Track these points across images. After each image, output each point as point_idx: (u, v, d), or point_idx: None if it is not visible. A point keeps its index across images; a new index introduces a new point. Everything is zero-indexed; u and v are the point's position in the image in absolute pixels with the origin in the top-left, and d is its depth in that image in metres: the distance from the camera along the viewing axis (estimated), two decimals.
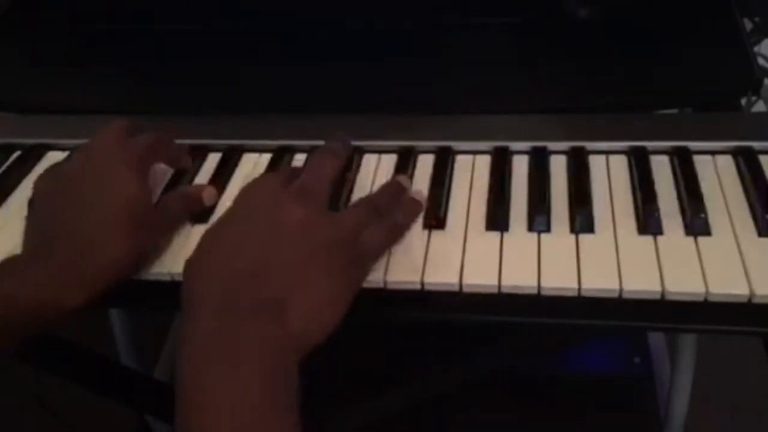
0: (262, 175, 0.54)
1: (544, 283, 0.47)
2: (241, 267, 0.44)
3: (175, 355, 0.42)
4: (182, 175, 0.60)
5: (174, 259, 0.52)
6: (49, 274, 0.46)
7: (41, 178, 0.55)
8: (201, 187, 0.56)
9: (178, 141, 0.63)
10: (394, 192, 0.54)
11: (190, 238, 0.53)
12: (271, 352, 0.41)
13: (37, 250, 0.49)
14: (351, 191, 0.57)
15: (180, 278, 0.51)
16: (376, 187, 0.56)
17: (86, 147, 0.55)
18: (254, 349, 0.41)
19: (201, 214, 0.55)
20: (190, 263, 0.47)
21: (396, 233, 0.51)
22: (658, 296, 0.46)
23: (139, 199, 0.50)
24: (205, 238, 0.48)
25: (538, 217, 0.52)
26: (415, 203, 0.53)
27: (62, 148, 0.64)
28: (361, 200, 0.53)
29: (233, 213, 0.49)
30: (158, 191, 0.58)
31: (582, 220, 0.51)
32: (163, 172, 0.60)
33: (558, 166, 0.57)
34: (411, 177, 0.57)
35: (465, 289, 0.48)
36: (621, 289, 0.47)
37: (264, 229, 0.46)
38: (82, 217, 0.49)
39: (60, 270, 0.47)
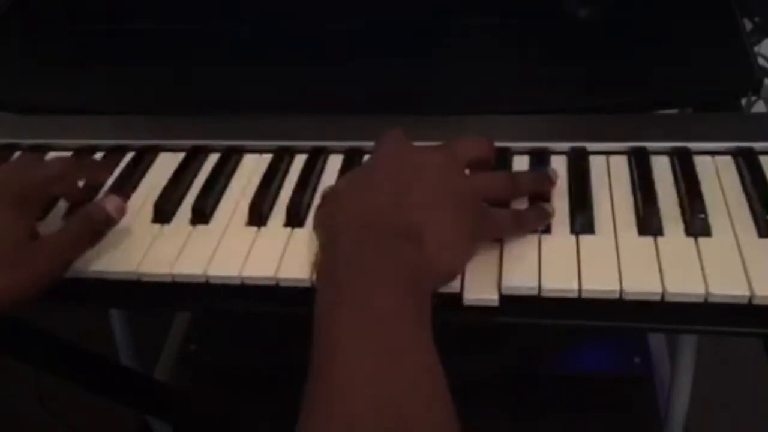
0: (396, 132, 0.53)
1: (545, 284, 0.47)
2: (382, 197, 0.47)
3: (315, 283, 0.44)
4: (182, 175, 0.59)
5: (174, 260, 0.52)
6: None
7: None
8: (101, 203, 0.53)
9: (177, 141, 0.63)
10: (540, 182, 0.54)
11: (190, 239, 0.53)
12: (409, 270, 0.43)
13: None
14: None
15: (180, 279, 0.51)
16: None
17: None
18: (392, 266, 0.43)
19: (201, 216, 0.55)
20: (326, 200, 0.50)
21: (519, 228, 0.51)
22: (658, 297, 0.46)
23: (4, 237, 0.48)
24: (348, 176, 0.51)
25: None
26: (547, 213, 0.52)
27: (62, 148, 0.64)
28: (503, 172, 0.55)
29: (375, 157, 0.51)
30: (157, 190, 0.58)
31: (582, 220, 0.51)
32: (161, 170, 0.59)
33: (558, 166, 0.57)
34: None
35: (466, 290, 0.48)
36: (621, 290, 0.47)
37: (405, 168, 0.48)
38: None
39: None
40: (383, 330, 0.40)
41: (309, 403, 0.37)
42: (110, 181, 0.60)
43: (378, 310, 0.40)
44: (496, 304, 0.47)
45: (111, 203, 0.52)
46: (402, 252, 0.44)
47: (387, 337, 0.39)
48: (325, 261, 0.46)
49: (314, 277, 0.48)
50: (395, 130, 0.52)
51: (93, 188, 0.59)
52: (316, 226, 0.50)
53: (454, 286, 0.48)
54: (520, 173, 0.56)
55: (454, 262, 0.47)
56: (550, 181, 0.55)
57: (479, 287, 0.48)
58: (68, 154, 0.63)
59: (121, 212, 0.53)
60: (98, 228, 0.52)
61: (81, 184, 0.58)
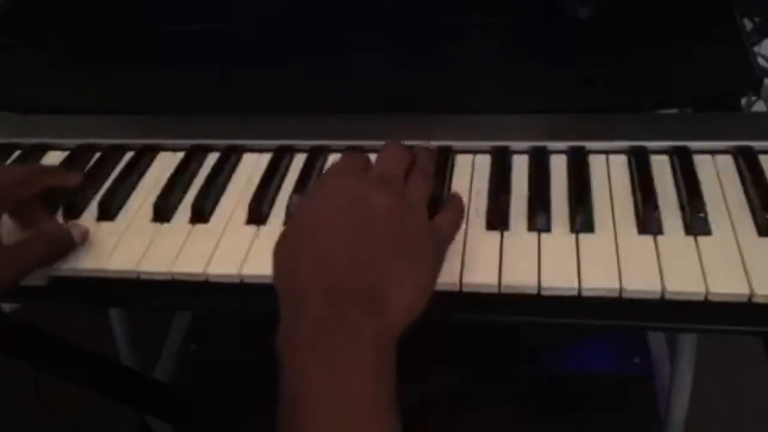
0: (338, 165, 0.52)
1: (544, 283, 0.47)
2: (339, 257, 0.44)
3: (278, 353, 0.42)
4: (182, 175, 0.59)
5: (174, 259, 0.52)
6: None
7: None
8: (71, 227, 0.54)
9: (177, 141, 0.63)
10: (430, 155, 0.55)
11: (189, 238, 0.54)
12: (376, 341, 0.42)
13: None
14: None
15: (180, 278, 0.51)
16: None
17: None
18: (359, 336, 0.41)
19: (200, 215, 0.55)
20: (281, 254, 0.46)
21: (459, 223, 0.52)
22: (658, 296, 0.46)
23: None
24: (293, 228, 0.48)
25: (539, 216, 0.52)
26: (462, 204, 0.54)
27: (62, 148, 0.64)
28: (418, 173, 0.53)
29: (318, 202, 0.48)
30: (156, 190, 0.58)
31: (582, 219, 0.51)
32: (161, 170, 0.60)
33: (558, 166, 0.57)
34: None
35: (465, 289, 0.48)
36: (621, 289, 0.47)
37: (354, 217, 0.46)
38: None
39: None
40: (351, 403, 0.39)
41: None
42: (110, 180, 0.60)
43: (347, 384, 0.40)
44: (495, 290, 0.48)
45: (78, 229, 0.54)
46: (365, 318, 0.42)
47: (354, 410, 0.39)
48: (287, 332, 0.43)
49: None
50: (334, 169, 0.51)
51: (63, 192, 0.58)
52: (276, 273, 0.46)
53: (453, 286, 0.48)
54: (419, 159, 0.54)
55: (417, 311, 0.45)
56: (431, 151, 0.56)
57: (479, 286, 0.48)
58: (67, 154, 0.63)
59: (85, 239, 0.54)
60: (59, 249, 0.52)
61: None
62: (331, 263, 0.44)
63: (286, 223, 0.54)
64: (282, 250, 0.47)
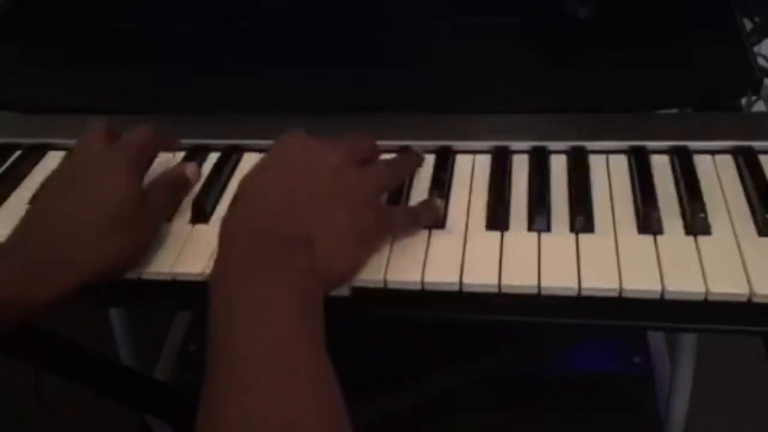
0: (298, 130, 0.53)
1: (544, 283, 0.47)
2: (273, 204, 0.47)
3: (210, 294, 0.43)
4: None
5: (174, 259, 0.52)
6: (15, 269, 0.47)
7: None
8: (180, 166, 0.56)
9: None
10: (415, 161, 0.57)
11: (190, 239, 0.54)
12: (300, 277, 0.43)
13: (11, 246, 0.49)
14: None
15: (181, 278, 0.51)
16: None
17: (75, 149, 0.55)
18: (284, 273, 0.43)
19: (201, 215, 0.55)
20: (228, 209, 0.49)
21: (414, 225, 0.52)
22: (658, 296, 0.46)
23: (124, 202, 0.50)
24: (242, 182, 0.49)
25: (538, 216, 0.52)
26: (437, 206, 0.53)
27: (62, 148, 0.64)
28: (385, 162, 0.55)
29: (270, 157, 0.51)
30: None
31: (582, 219, 0.51)
32: (161, 170, 0.60)
33: (558, 166, 0.57)
34: (411, 176, 0.57)
35: (465, 289, 0.48)
36: (621, 289, 0.47)
37: (298, 170, 0.48)
38: (58, 216, 0.49)
39: (25, 266, 0.47)
40: (277, 340, 0.40)
41: (205, 406, 0.38)
42: None
43: (271, 321, 0.41)
44: (495, 290, 0.48)
45: (189, 168, 0.56)
46: (291, 261, 0.44)
47: (281, 346, 0.40)
48: (218, 268, 0.45)
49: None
50: (296, 130, 0.52)
51: None
52: (221, 229, 0.48)
53: (453, 286, 0.48)
54: (395, 159, 0.57)
55: (348, 265, 0.47)
56: (419, 157, 0.57)
57: (479, 287, 0.48)
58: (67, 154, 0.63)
59: (197, 176, 0.56)
60: (179, 192, 0.55)
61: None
62: (264, 209, 0.47)
63: None
64: (231, 204, 0.49)
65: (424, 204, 0.54)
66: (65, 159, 0.55)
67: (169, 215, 0.56)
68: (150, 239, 0.52)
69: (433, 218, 0.52)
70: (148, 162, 0.55)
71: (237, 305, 0.41)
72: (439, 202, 0.53)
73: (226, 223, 0.47)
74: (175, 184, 0.55)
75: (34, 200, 0.53)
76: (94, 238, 0.48)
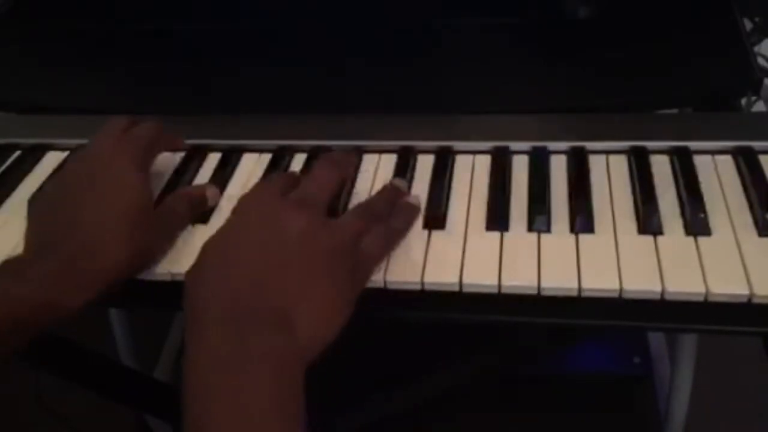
0: (261, 184, 0.53)
1: (544, 283, 0.47)
2: (244, 278, 0.44)
3: (182, 367, 0.41)
4: (182, 175, 0.60)
5: (174, 259, 0.52)
6: (49, 274, 0.46)
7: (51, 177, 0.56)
8: (203, 186, 0.57)
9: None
10: (391, 196, 0.54)
11: (190, 239, 0.53)
12: (278, 361, 0.41)
13: (37, 249, 0.49)
14: (351, 192, 0.56)
15: (180, 278, 0.51)
16: (377, 187, 0.56)
17: (89, 146, 0.55)
18: (260, 359, 0.41)
19: (202, 215, 0.55)
20: (190, 276, 0.46)
21: (395, 238, 0.51)
22: (658, 296, 0.46)
23: (141, 200, 0.50)
24: (205, 249, 0.47)
25: (538, 217, 0.52)
26: (412, 207, 0.53)
27: (62, 148, 0.64)
28: (359, 206, 0.52)
29: (233, 223, 0.49)
30: (156, 190, 0.58)
31: (582, 220, 0.51)
32: (161, 170, 0.60)
33: (558, 166, 0.57)
34: (411, 177, 0.57)
35: (465, 289, 0.48)
36: (621, 289, 0.47)
37: (265, 239, 0.46)
38: (83, 218, 0.49)
39: (60, 270, 0.47)
40: (254, 429, 0.39)
41: None
42: None
43: (247, 411, 0.39)
44: (495, 290, 0.48)
45: (210, 189, 0.56)
46: (267, 342, 0.42)
47: None
48: (190, 350, 0.42)
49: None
50: (261, 187, 0.51)
51: None
52: (184, 296, 0.45)
53: (453, 286, 0.48)
54: (371, 200, 0.54)
55: (330, 331, 0.44)
56: (398, 190, 0.54)
57: (479, 287, 0.48)
58: (67, 154, 0.63)
59: (216, 200, 0.56)
60: (194, 209, 0.54)
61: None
62: (235, 283, 0.44)
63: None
64: (192, 272, 0.46)
65: (400, 211, 0.52)
66: (79, 156, 0.55)
67: None
68: (165, 246, 0.52)
69: (413, 216, 0.52)
70: (152, 159, 0.56)
71: (211, 392, 0.40)
72: (416, 200, 0.53)
73: (193, 296, 0.44)
74: (196, 200, 0.55)
75: (51, 199, 0.52)
76: (118, 241, 0.48)
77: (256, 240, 0.46)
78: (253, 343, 0.41)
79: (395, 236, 0.51)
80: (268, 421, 0.39)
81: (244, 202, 0.50)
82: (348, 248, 0.47)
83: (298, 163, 0.60)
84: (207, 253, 0.47)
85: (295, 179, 0.53)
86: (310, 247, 0.46)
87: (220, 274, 0.45)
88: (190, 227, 0.55)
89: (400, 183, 0.56)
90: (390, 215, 0.52)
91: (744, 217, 0.51)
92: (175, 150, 0.61)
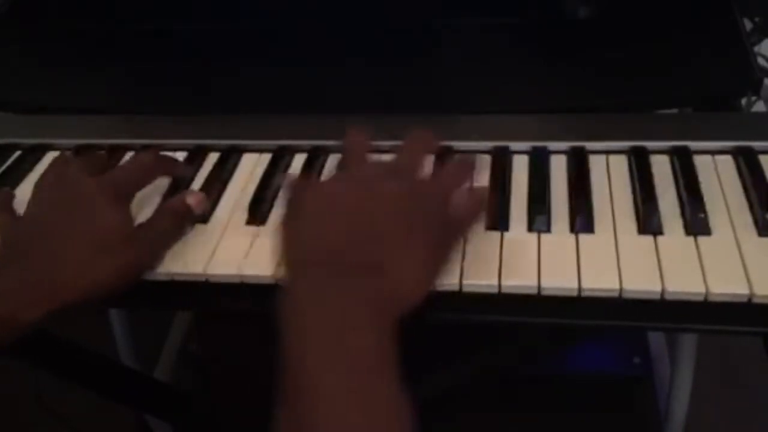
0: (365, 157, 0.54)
1: (544, 283, 0.47)
2: (341, 229, 0.47)
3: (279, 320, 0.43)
4: (182, 179, 0.59)
5: (174, 259, 0.52)
6: (11, 287, 0.48)
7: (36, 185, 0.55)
8: (185, 196, 0.55)
9: (178, 141, 0.63)
10: (470, 164, 0.55)
11: (190, 239, 0.54)
12: (375, 302, 0.43)
13: (3, 261, 0.50)
14: None
15: (180, 278, 0.51)
16: None
17: (57, 176, 0.55)
18: (358, 297, 0.43)
19: (202, 216, 0.55)
20: (287, 226, 0.49)
21: (478, 212, 0.51)
22: (658, 296, 0.46)
23: (110, 224, 0.50)
24: (305, 207, 0.49)
25: (538, 217, 0.52)
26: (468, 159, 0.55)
27: (62, 148, 0.64)
28: (449, 167, 0.55)
29: (332, 182, 0.51)
30: (158, 192, 0.58)
31: (582, 220, 0.51)
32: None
33: (558, 166, 0.57)
34: None
35: (465, 289, 0.48)
36: (621, 289, 0.47)
37: (362, 197, 0.48)
38: (51, 241, 0.50)
39: (22, 286, 0.48)
40: (353, 369, 0.40)
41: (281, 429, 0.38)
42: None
43: (346, 349, 0.41)
44: (495, 290, 0.48)
45: (192, 197, 0.55)
46: (363, 288, 0.44)
47: (357, 376, 0.40)
48: (289, 295, 0.44)
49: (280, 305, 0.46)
50: (354, 144, 0.53)
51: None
52: (283, 248, 0.49)
53: (453, 286, 0.48)
54: (448, 165, 0.56)
55: (421, 285, 0.46)
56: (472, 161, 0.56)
57: (479, 287, 0.48)
58: (67, 153, 0.63)
59: (203, 205, 0.55)
60: (181, 221, 0.54)
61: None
62: (334, 233, 0.46)
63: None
64: (289, 222, 0.49)
65: (471, 196, 0.53)
66: (52, 180, 0.55)
67: None
68: (147, 264, 0.51)
69: (470, 167, 0.53)
70: (137, 189, 0.55)
71: (311, 333, 0.41)
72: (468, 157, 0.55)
73: (292, 242, 0.48)
74: (180, 213, 0.54)
75: (25, 217, 0.54)
76: (79, 263, 0.49)
77: (354, 197, 0.48)
78: (351, 284, 0.44)
79: (475, 213, 0.51)
80: (366, 355, 0.41)
81: (348, 163, 0.53)
82: (439, 210, 0.49)
83: (298, 163, 0.60)
84: (306, 205, 0.49)
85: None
86: (405, 209, 0.47)
87: (319, 224, 0.47)
88: (190, 228, 0.55)
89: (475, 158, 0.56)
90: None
91: (744, 217, 0.51)
92: (177, 175, 0.60)
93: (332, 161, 0.60)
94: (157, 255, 0.52)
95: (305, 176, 0.58)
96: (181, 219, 0.54)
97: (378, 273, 0.44)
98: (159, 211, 0.55)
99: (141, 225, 0.53)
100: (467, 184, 0.54)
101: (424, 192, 0.50)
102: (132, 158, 0.58)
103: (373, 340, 0.41)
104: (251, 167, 0.60)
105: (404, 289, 0.45)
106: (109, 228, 0.50)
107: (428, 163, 0.56)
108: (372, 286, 0.44)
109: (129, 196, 0.54)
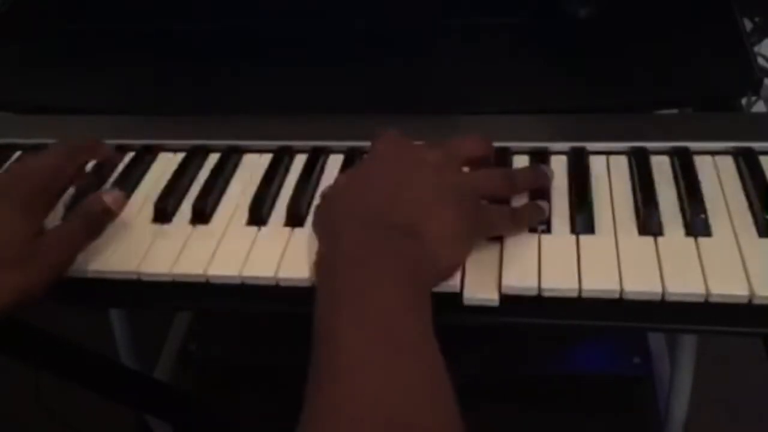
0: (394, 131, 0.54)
1: (545, 284, 0.47)
2: (378, 196, 0.48)
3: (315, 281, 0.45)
4: (181, 176, 0.59)
5: (174, 260, 0.52)
6: None
7: None
8: (101, 194, 0.53)
9: (178, 141, 0.63)
10: (538, 179, 0.54)
11: (190, 239, 0.53)
12: (409, 262, 0.44)
13: None
14: None
15: (180, 279, 0.51)
16: None
17: None
18: (393, 257, 0.44)
19: (201, 216, 0.55)
20: (327, 197, 0.51)
21: (516, 225, 0.51)
22: (658, 297, 0.46)
23: (8, 242, 0.48)
24: (346, 174, 0.52)
25: None
26: (542, 209, 0.52)
27: None
28: (500, 169, 0.55)
29: (372, 157, 0.52)
30: (155, 192, 0.58)
31: (582, 220, 0.51)
32: (160, 171, 0.60)
33: (558, 166, 0.57)
34: None
35: (465, 289, 0.48)
36: (621, 290, 0.47)
37: (402, 165, 0.50)
38: None
39: None
40: (385, 322, 0.40)
41: (312, 396, 0.38)
42: (110, 181, 0.60)
43: (379, 302, 0.41)
44: (496, 304, 0.47)
45: (109, 196, 0.52)
46: (401, 247, 0.45)
47: (389, 329, 0.40)
48: (324, 258, 0.46)
49: (314, 275, 0.48)
50: (392, 130, 0.53)
51: (101, 175, 0.59)
52: (316, 224, 0.51)
53: (453, 286, 0.48)
54: (517, 170, 0.56)
55: (453, 257, 0.47)
56: (546, 177, 0.55)
57: (479, 287, 0.48)
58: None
59: (120, 204, 0.53)
60: (97, 221, 0.52)
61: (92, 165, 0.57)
62: (371, 199, 0.48)
63: (286, 224, 0.54)
64: (329, 193, 0.51)
65: (529, 205, 0.53)
66: None
67: (169, 216, 0.56)
68: (54, 273, 0.49)
69: (537, 220, 0.52)
70: (50, 192, 0.52)
71: (344, 291, 0.42)
72: (545, 205, 0.52)
73: (328, 214, 0.49)
74: (94, 212, 0.52)
75: None
76: None
77: (393, 166, 0.50)
78: (386, 245, 0.44)
79: (519, 223, 0.51)
80: (400, 317, 0.41)
81: (383, 138, 0.53)
82: (475, 194, 0.50)
83: (298, 163, 0.60)
84: (346, 178, 0.52)
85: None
86: (443, 178, 0.49)
87: (357, 193, 0.49)
88: (189, 227, 0.55)
89: (550, 171, 0.55)
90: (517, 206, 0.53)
91: (744, 218, 0.51)
92: (103, 160, 0.58)
93: (333, 162, 0.60)
94: (69, 260, 0.50)
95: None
96: (97, 220, 0.52)
97: (415, 236, 0.45)
98: (73, 213, 0.52)
99: (50, 230, 0.50)
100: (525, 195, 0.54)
101: (465, 172, 0.52)
102: (43, 152, 0.54)
103: (407, 297, 0.42)
104: (251, 167, 0.60)
105: (439, 256, 0.46)
106: (5, 242, 0.47)
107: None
108: (408, 248, 0.45)
109: (39, 200, 0.51)
